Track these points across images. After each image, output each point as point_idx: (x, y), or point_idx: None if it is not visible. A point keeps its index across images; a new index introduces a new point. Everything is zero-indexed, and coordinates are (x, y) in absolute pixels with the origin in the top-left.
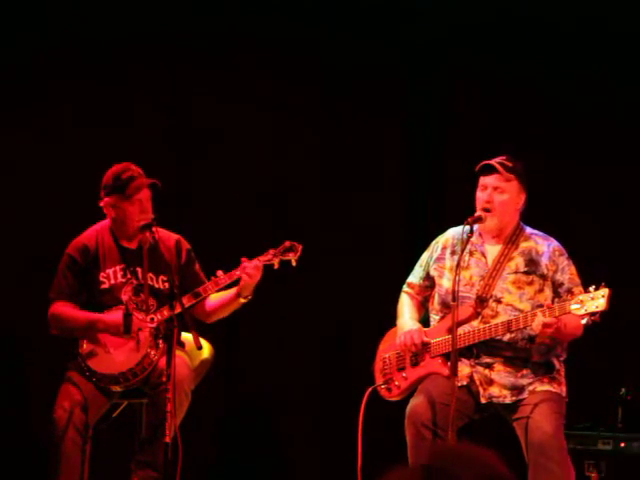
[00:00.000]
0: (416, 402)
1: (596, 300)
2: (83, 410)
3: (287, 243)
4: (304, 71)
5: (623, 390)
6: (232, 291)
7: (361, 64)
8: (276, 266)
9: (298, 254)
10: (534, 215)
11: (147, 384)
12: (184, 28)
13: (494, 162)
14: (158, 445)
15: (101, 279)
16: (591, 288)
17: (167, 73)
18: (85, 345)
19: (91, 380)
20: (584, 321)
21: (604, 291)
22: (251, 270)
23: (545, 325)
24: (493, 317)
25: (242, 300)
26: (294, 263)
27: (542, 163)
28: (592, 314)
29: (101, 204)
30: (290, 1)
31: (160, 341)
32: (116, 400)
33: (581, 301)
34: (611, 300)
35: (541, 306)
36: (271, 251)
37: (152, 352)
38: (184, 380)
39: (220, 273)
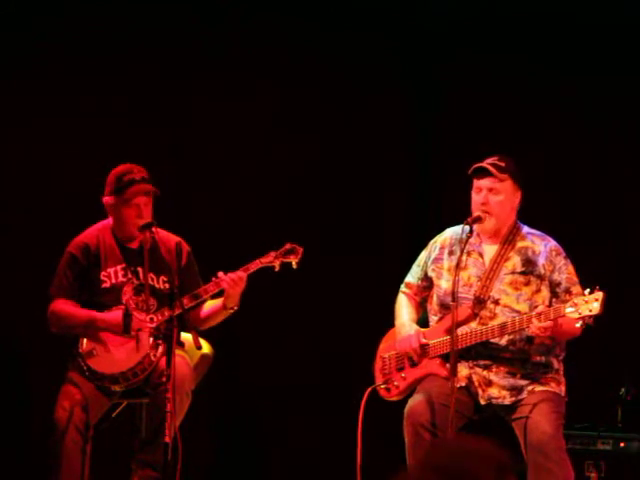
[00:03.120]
0: (414, 403)
1: (590, 304)
2: (84, 410)
3: (288, 245)
4: (304, 71)
5: (623, 390)
6: (220, 301)
7: (361, 63)
8: (277, 268)
9: (299, 256)
10: (533, 214)
11: (148, 384)
12: (184, 28)
13: (486, 164)
14: (158, 445)
15: (102, 278)
16: (586, 291)
17: (167, 73)
18: (85, 344)
19: (91, 380)
20: (578, 324)
21: (598, 295)
22: (230, 281)
23: (541, 328)
24: (491, 318)
25: (229, 310)
26: (295, 266)
27: (541, 163)
28: (587, 317)
29: (103, 201)
30: (290, 1)
31: (160, 341)
32: (116, 400)
33: (575, 304)
34: (605, 304)
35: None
36: (272, 253)
37: (152, 352)
38: (185, 380)
39: (221, 274)
